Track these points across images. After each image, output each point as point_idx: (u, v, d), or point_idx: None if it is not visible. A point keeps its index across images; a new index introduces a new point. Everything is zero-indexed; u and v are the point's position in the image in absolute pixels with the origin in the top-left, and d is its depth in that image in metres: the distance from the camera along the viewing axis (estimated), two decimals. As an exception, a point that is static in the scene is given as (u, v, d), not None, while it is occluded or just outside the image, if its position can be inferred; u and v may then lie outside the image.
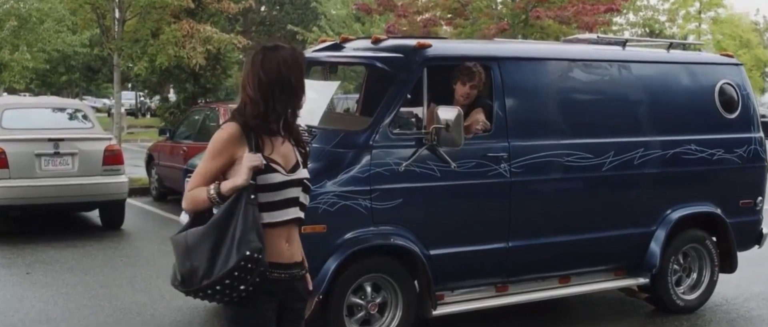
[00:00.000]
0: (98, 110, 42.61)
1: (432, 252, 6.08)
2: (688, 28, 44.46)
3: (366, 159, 5.85)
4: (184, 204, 3.46)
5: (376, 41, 6.47)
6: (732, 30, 43.86)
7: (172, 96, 24.65)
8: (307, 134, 6.05)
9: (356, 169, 5.82)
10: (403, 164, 5.91)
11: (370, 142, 5.88)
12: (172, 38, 14.70)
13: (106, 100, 48.03)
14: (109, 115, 32.40)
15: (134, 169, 15.77)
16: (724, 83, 7.48)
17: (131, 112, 47.35)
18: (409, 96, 6.14)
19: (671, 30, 43.86)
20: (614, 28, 31.44)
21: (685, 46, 8.16)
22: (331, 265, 5.74)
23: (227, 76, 19.96)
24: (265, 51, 3.37)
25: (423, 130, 6.03)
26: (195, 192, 3.38)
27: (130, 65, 15.67)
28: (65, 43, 33.21)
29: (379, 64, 6.25)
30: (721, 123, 7.41)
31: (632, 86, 7.07)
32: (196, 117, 13.80)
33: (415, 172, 5.96)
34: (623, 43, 7.41)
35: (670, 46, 7.72)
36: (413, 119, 6.26)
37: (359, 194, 5.80)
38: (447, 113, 5.88)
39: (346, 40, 6.77)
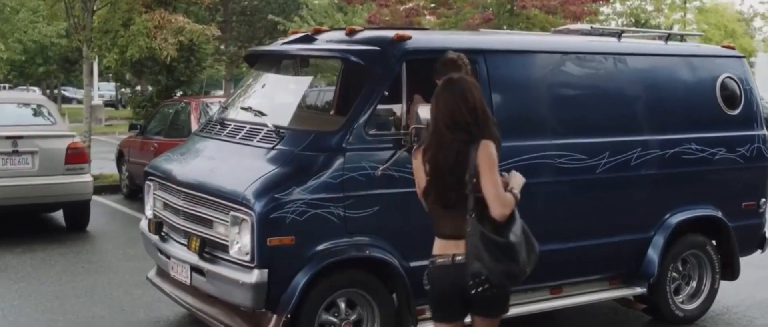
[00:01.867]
0: (79, 102, 41.75)
1: (412, 264, 5.54)
2: (674, 18, 44.27)
3: (339, 163, 5.31)
4: (507, 210, 3.90)
5: (351, 33, 5.91)
6: (717, 19, 43.68)
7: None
8: (275, 135, 5.52)
9: (328, 174, 5.28)
10: (380, 168, 5.38)
11: (344, 145, 5.34)
12: (143, 29, 14.05)
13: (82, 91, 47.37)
14: (90, 107, 31.60)
15: (108, 165, 15.14)
16: (726, 77, 7.00)
17: (111, 104, 46.57)
18: (386, 93, 5.59)
19: (657, 20, 43.63)
20: (601, 18, 31.01)
21: (683, 38, 7.61)
22: (301, 279, 5.20)
23: (202, 68, 19.30)
24: None
25: (402, 131, 5.49)
26: (508, 196, 3.92)
27: (102, 57, 14.94)
28: (41, 33, 32.55)
29: (353, 58, 5.69)
30: (722, 120, 6.93)
31: (629, 81, 6.56)
32: (168, 112, 13.19)
33: (393, 176, 5.42)
34: (619, 34, 6.89)
35: (669, 38, 7.20)
36: (391, 118, 5.72)
37: (331, 202, 5.26)
38: (428, 112, 5.32)
39: (319, 32, 6.21)
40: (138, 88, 24.26)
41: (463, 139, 3.92)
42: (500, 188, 3.90)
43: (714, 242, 7.02)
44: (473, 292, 3.89)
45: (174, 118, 12.63)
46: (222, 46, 32.60)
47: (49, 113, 10.63)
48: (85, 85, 14.96)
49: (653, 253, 6.56)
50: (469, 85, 3.99)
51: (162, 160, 6.58)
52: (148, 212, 6.52)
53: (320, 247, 5.27)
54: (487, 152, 3.89)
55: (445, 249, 4.03)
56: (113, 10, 14.34)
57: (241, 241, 5.28)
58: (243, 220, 5.22)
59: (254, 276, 5.15)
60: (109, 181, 14.61)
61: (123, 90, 27.15)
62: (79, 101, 40.81)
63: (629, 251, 6.53)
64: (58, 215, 11.01)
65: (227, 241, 5.38)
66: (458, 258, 3.94)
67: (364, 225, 5.38)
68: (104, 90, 48.61)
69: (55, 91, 48.71)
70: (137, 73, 20.80)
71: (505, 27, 19.26)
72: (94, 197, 12.26)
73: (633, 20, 41.47)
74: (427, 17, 21.56)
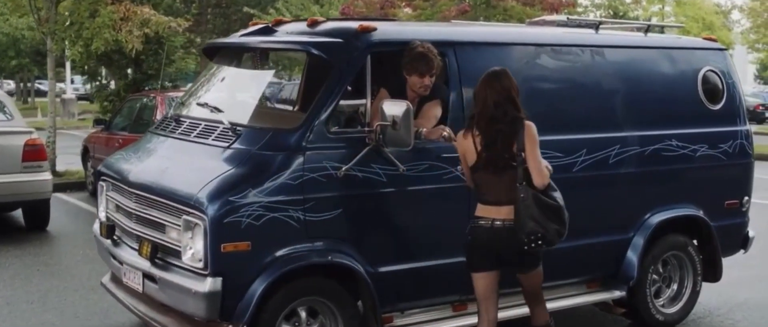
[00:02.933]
0: (56, 96, 40.85)
1: (378, 269, 5.24)
2: (652, 11, 44.16)
3: (298, 163, 4.97)
4: (546, 180, 4.76)
5: (313, 24, 5.57)
6: (695, 12, 43.55)
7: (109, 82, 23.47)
8: (231, 134, 5.18)
9: (286, 174, 4.94)
10: (343, 168, 5.04)
11: (303, 143, 5.00)
12: (108, 21, 13.59)
13: (61, 84, 46.58)
14: (62, 101, 31.06)
15: (78, 160, 14.67)
16: (708, 70, 6.72)
17: (86, 97, 45.82)
18: (350, 88, 5.26)
19: (635, 12, 43.52)
20: (579, 9, 30.77)
21: (662, 29, 7.31)
22: (258, 288, 4.86)
23: (171, 61, 18.81)
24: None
25: (366, 128, 5.16)
26: (545, 170, 4.79)
27: (66, 50, 14.45)
28: (12, 26, 31.92)
29: (314, 51, 5.35)
30: (704, 115, 6.65)
31: (607, 75, 6.27)
32: (134, 106, 12.78)
33: (357, 177, 5.09)
34: (596, 26, 6.58)
35: (648, 30, 6.90)
36: (355, 115, 5.38)
37: (290, 204, 4.92)
38: (394, 108, 5.01)
39: (280, 23, 5.85)
40: (105, 81, 23.70)
41: (508, 121, 4.69)
42: (542, 162, 4.73)
43: (695, 242, 6.75)
44: (527, 248, 4.70)
45: (139, 113, 12.22)
46: (198, 39, 32.06)
47: (5, 109, 10.19)
48: (49, 78, 14.51)
49: (633, 255, 6.28)
50: (510, 75, 4.82)
51: (115, 160, 6.21)
52: (101, 214, 6.16)
53: (279, 253, 4.94)
54: (532, 132, 4.71)
55: (486, 213, 4.79)
56: (79, 1, 13.89)
57: (194, 247, 4.93)
58: (195, 224, 4.87)
59: (207, 284, 4.81)
60: (75, 177, 14.19)
61: (89, 84, 26.44)
62: (56, 95, 40.05)
63: (608, 253, 6.25)
64: (17, 214, 10.59)
65: (180, 247, 5.03)
66: (497, 223, 4.75)
67: (325, 229, 5.05)
68: (79, 83, 47.92)
69: (29, 84, 47.97)
70: (106, 66, 20.29)
71: (481, 19, 18.93)
72: (59, 195, 11.91)
73: (611, 12, 41.30)
74: (404, 9, 21.20)
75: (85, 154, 13.52)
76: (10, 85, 51.25)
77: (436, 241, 5.49)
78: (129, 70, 17.70)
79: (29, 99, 47.21)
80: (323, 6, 28.71)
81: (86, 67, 21.19)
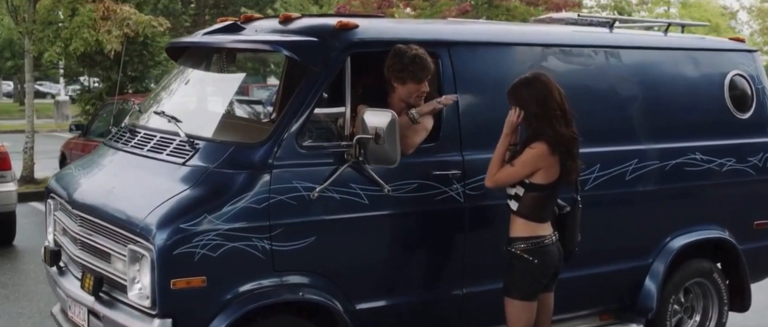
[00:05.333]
0: (53, 97, 40.16)
1: (358, 306, 4.50)
2: (657, 12, 43.52)
3: (263, 183, 4.23)
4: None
5: (286, 21, 4.83)
6: (701, 14, 42.83)
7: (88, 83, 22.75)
8: (187, 148, 4.44)
9: (249, 197, 4.19)
10: (317, 189, 4.30)
11: (270, 160, 4.26)
12: (87, 20, 12.84)
13: (58, 86, 45.81)
14: (56, 103, 30.36)
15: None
16: (736, 75, 5.99)
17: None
18: (326, 94, 4.51)
19: (641, 13, 42.85)
20: (584, 10, 30.04)
21: (683, 29, 6.56)
22: (217, 330, 4.11)
23: (156, 63, 18.04)
24: None
25: (345, 142, 4.42)
26: None
27: (43, 50, 13.72)
28: (5, 26, 31.20)
29: (285, 51, 4.59)
30: (731, 125, 5.93)
31: (623, 79, 5.53)
32: (112, 111, 12.02)
33: (333, 199, 4.36)
34: (610, 24, 5.84)
35: (668, 28, 6.15)
36: (332, 126, 4.65)
37: (254, 232, 4.18)
38: (377, 118, 4.28)
39: (250, 20, 5.12)
40: (86, 84, 22.95)
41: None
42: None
43: (718, 265, 6.02)
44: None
45: (118, 118, 11.45)
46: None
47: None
48: (26, 81, 13.78)
49: (651, 284, 5.57)
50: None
51: (64, 174, 5.48)
52: (49, 237, 5.43)
53: (240, 290, 4.20)
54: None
55: (541, 231, 4.50)
56: (57, -1, 13.18)
57: (141, 282, 4.19)
58: (142, 255, 4.13)
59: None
60: (53, 185, 13.43)
61: (71, 87, 25.63)
62: (54, 96, 39.33)
63: (624, 281, 5.54)
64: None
65: (126, 281, 4.29)
66: (554, 238, 4.55)
67: (296, 260, 4.31)
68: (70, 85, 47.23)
69: (24, 85, 47.30)
70: (88, 68, 19.54)
71: (483, 18, 18.23)
72: (36, 204, 11.22)
73: (617, 13, 40.58)
74: (403, 9, 20.47)
75: (63, 161, 12.78)
76: (10, 86, 50.68)
77: (426, 272, 4.77)
78: (110, 73, 16.97)
79: (25, 101, 46.62)
80: (322, 6, 28.04)
81: (65, 69, 20.45)
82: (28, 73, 13.86)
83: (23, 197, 11.00)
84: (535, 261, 4.45)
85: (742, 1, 40.59)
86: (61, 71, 23.13)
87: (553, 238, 4.53)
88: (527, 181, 4.44)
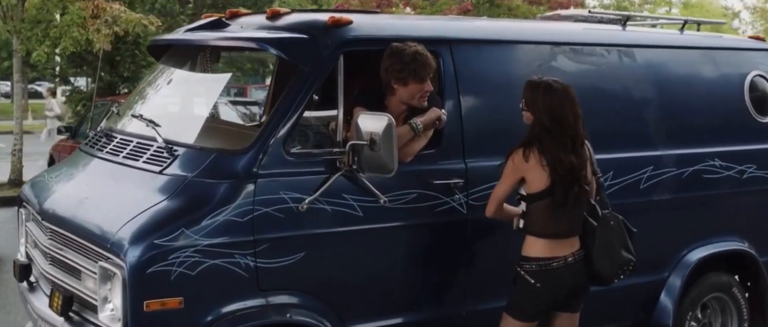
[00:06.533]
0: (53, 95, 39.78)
1: (351, 327, 4.12)
2: (659, 12, 43.29)
3: (247, 193, 3.85)
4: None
5: (274, 16, 4.45)
6: (703, 14, 42.55)
7: (81, 84, 22.33)
8: (165, 154, 4.07)
9: (231, 209, 3.81)
10: (307, 200, 3.93)
11: (255, 168, 3.88)
12: (77, 19, 12.46)
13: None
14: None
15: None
16: (756, 75, 5.67)
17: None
18: (316, 96, 4.12)
19: (642, 14, 42.57)
20: (586, 10, 29.75)
21: (699, 26, 6.18)
22: (195, 356, 3.74)
23: (149, 63, 17.60)
24: None
25: (337, 148, 4.05)
26: None
27: (32, 50, 13.34)
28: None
29: (272, 49, 4.21)
30: (752, 129, 5.59)
31: (637, 80, 5.17)
32: (101, 113, 11.65)
33: (324, 211, 3.98)
34: (624, 21, 5.46)
35: (684, 25, 5.78)
36: (323, 132, 4.27)
37: (236, 248, 3.81)
38: (372, 122, 3.90)
39: (235, 15, 4.74)
40: (77, 85, 22.54)
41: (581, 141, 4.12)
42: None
43: (736, 277, 5.65)
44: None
45: (96, 122, 11.08)
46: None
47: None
48: (15, 81, 13.40)
49: (667, 299, 5.23)
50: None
51: (36, 182, 5.10)
52: (21, 250, 5.06)
53: (222, 311, 3.82)
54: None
55: (556, 251, 4.09)
56: (47, -3, 12.80)
57: (112, 302, 3.82)
58: (113, 273, 3.75)
59: (126, 353, 3.70)
60: (43, 189, 13.07)
61: (63, 87, 25.20)
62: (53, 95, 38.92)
63: (638, 297, 5.18)
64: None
65: (97, 301, 3.91)
66: (570, 259, 4.11)
67: (283, 278, 3.93)
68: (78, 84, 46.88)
69: (23, 86, 46.91)
70: (78, 68, 19.15)
71: (485, 17, 17.89)
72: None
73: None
74: (403, 8, 20.11)
75: (52, 164, 12.40)
76: (8, 86, 50.34)
77: (426, 291, 4.40)
78: (102, 73, 16.57)
79: (23, 101, 46.29)
80: (322, 6, 27.66)
81: (56, 69, 20.06)
82: (17, 73, 13.48)
83: (10, 201, 10.62)
84: (537, 284, 4.08)
85: (746, 1, 40.12)
86: (55, 71, 22.66)
87: (571, 259, 4.12)
88: (524, 193, 4.09)
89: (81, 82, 24.82)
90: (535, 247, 4.09)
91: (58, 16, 13.34)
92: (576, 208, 4.10)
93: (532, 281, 4.08)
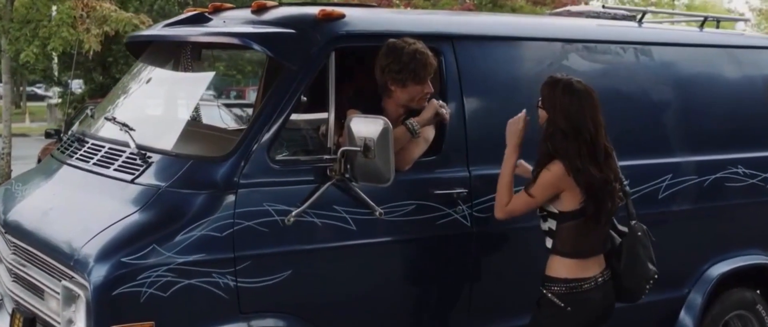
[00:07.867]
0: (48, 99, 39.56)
1: (343, 353, 3.75)
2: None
3: (227, 205, 3.49)
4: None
5: (259, 10, 4.08)
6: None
7: (76, 86, 21.92)
8: (138, 161, 3.69)
9: (209, 223, 3.45)
10: (294, 212, 3.55)
11: (235, 178, 3.51)
12: (67, 18, 12.10)
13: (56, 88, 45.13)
14: (49, 107, 29.67)
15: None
16: (780, 76, 5.26)
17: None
18: (304, 97, 3.74)
19: (646, 15, 42.33)
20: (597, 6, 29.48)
21: (718, 23, 5.79)
22: (169, 386, 3.37)
23: (142, 63, 17.26)
24: None
25: (327, 155, 3.67)
26: None
27: (20, 51, 12.99)
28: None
29: (256, 46, 3.84)
30: (777, 133, 5.18)
31: (655, 81, 4.81)
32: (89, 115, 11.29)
33: (313, 225, 3.62)
34: (640, 17, 5.09)
35: (705, 22, 5.40)
36: (312, 136, 3.90)
37: (214, 266, 3.44)
38: (366, 126, 3.53)
39: (219, 9, 4.36)
40: (66, 87, 22.17)
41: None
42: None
43: (758, 292, 5.28)
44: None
45: (70, 126, 10.71)
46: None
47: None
48: (3, 82, 13.05)
49: (687, 317, 4.88)
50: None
51: (5, 190, 4.72)
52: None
53: (199, 336, 3.44)
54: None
55: (586, 271, 3.78)
56: (36, -4, 12.46)
57: (76, 326, 3.43)
58: (77, 295, 3.37)
59: (90, 384, 3.32)
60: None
61: (54, 88, 24.82)
62: (47, 99, 38.71)
63: (656, 315, 4.83)
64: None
65: (60, 324, 3.53)
66: (600, 280, 3.81)
67: (267, 300, 3.58)
68: (74, 86, 46.66)
69: (21, 88, 46.67)
70: (68, 69, 18.77)
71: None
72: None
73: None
74: (403, 8, 19.78)
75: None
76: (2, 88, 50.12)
77: (426, 311, 4.05)
78: (94, 74, 16.19)
79: (21, 103, 46.12)
80: (323, 5, 27.24)
81: (46, 71, 19.71)
82: (5, 74, 13.12)
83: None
84: (568, 308, 3.75)
85: (751, 2, 39.80)
86: (46, 72, 22.32)
87: (601, 279, 3.80)
88: (557, 210, 3.71)
89: (75, 84, 24.56)
90: (563, 267, 3.75)
91: (54, 9, 12.98)
92: (607, 225, 3.84)
93: (562, 304, 3.75)
